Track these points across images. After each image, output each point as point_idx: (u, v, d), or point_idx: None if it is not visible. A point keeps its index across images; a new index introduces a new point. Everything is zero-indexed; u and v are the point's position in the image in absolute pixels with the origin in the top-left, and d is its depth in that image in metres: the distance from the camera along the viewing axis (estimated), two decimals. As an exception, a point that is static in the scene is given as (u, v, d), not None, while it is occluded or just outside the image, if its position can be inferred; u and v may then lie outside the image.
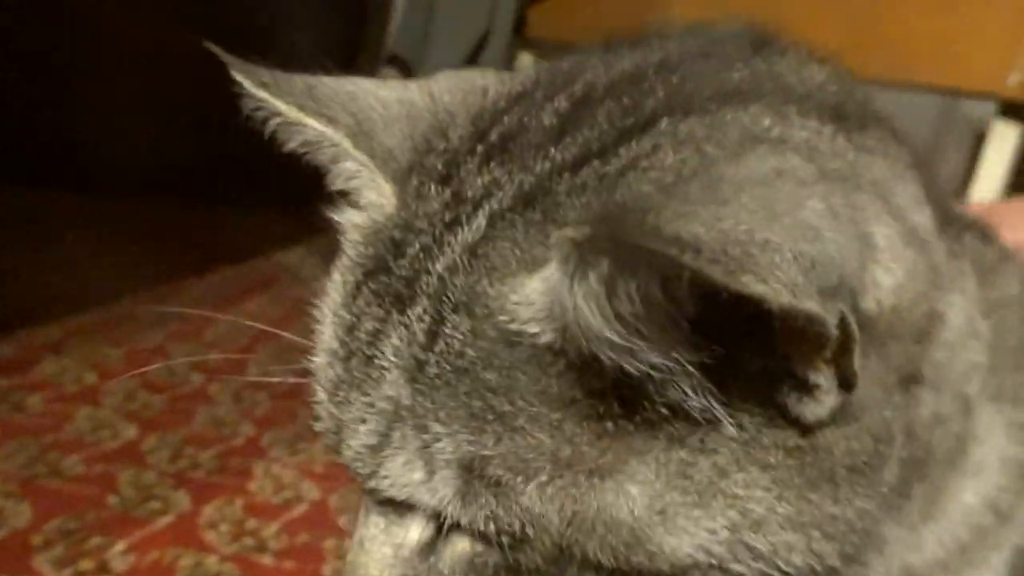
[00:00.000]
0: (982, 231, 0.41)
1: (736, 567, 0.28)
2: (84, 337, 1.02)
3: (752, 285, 0.22)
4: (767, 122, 0.31)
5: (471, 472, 0.28)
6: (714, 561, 0.28)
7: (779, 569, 0.29)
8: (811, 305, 0.23)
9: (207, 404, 0.91)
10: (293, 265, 1.67)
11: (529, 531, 0.28)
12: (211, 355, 1.06)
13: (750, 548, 0.28)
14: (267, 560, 0.66)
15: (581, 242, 0.23)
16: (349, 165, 0.35)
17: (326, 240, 1.45)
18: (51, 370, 0.90)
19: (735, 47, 0.36)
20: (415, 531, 0.31)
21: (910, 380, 0.31)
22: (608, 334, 0.24)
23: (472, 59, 2.00)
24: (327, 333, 0.35)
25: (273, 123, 0.35)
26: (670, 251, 0.22)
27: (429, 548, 0.31)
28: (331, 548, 0.69)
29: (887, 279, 0.29)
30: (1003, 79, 1.35)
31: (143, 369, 0.95)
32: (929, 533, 0.35)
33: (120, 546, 0.62)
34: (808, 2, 1.57)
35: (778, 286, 0.22)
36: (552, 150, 0.31)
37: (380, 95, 0.36)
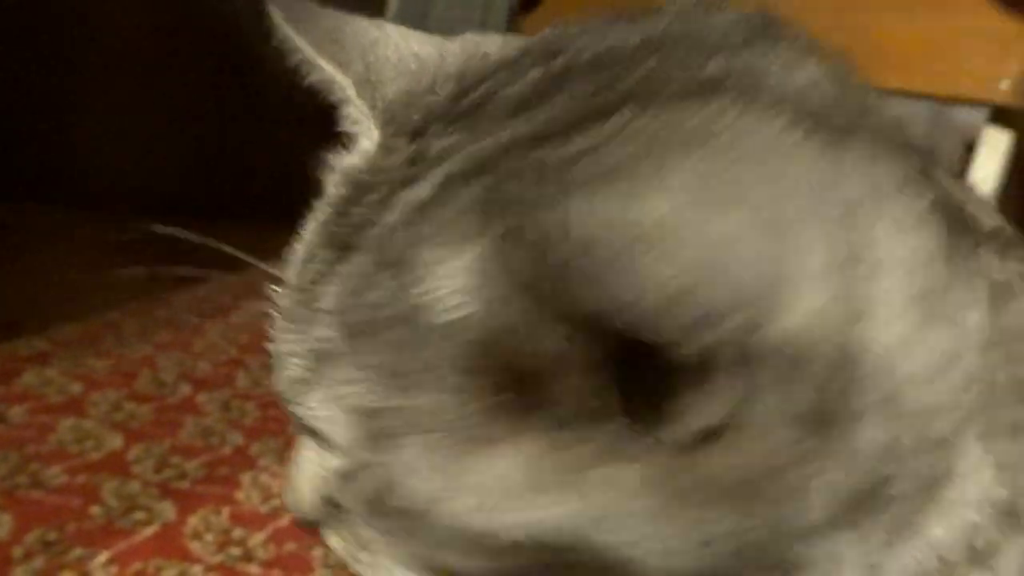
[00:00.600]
0: (1006, 243, 0.37)
1: (581, 557, 0.29)
2: (70, 348, 1.00)
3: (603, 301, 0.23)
4: (725, 121, 0.28)
5: (373, 420, 0.29)
6: (560, 545, 0.29)
7: (625, 565, 0.29)
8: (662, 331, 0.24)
9: (195, 414, 0.90)
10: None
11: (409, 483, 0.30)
12: (200, 365, 1.05)
13: (598, 541, 0.29)
14: (254, 569, 0.64)
15: (502, 235, 0.24)
16: (352, 111, 0.36)
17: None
18: (34, 381, 0.88)
19: (729, 33, 0.34)
20: (335, 461, 0.32)
21: (831, 414, 0.29)
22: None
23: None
24: (290, 264, 0.36)
25: (295, 58, 0.37)
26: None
27: (350, 475, 0.32)
28: (319, 557, 0.68)
29: (801, 306, 0.27)
30: (995, 85, 1.35)
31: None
32: (892, 560, 0.34)
33: (103, 557, 0.61)
34: (798, 6, 1.58)
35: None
36: (512, 122, 0.31)
37: (400, 46, 0.37)
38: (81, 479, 0.71)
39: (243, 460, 0.82)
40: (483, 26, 1.90)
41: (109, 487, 0.70)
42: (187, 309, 1.28)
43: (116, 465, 0.75)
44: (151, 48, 1.82)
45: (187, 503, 0.71)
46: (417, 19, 1.95)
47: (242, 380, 1.03)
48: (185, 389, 0.96)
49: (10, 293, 1.14)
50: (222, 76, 1.89)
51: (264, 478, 0.79)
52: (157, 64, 1.82)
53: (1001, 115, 1.37)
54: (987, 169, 1.39)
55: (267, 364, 1.08)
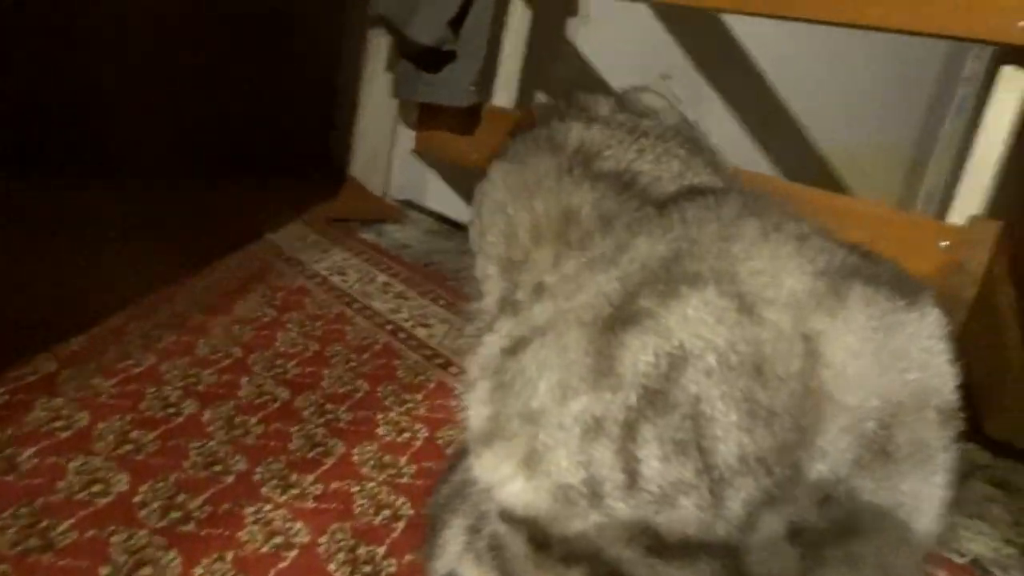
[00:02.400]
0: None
1: None
2: (76, 366, 1.02)
3: None
4: None
5: None
6: None
7: None
8: None
9: (199, 437, 0.92)
10: (285, 247, 1.66)
11: None
12: (205, 374, 1.07)
13: None
14: (258, 621, 0.67)
15: None
16: None
17: (317, 214, 1.43)
18: (43, 416, 0.91)
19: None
20: None
21: None
22: None
23: (461, 14, 1.93)
24: None
25: None
26: None
27: None
28: (321, 599, 0.71)
29: None
30: (1012, 25, 1.29)
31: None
32: None
33: (112, 623, 0.64)
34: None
35: None
36: None
37: None
38: (90, 534, 0.73)
39: (247, 490, 0.84)
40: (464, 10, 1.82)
41: (117, 541, 0.73)
42: (190, 303, 1.29)
43: (123, 512, 0.77)
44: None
45: (192, 551, 0.74)
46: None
47: (245, 389, 1.05)
48: (190, 407, 0.98)
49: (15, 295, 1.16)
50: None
51: (267, 510, 0.82)
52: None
53: (1019, 55, 1.32)
54: (1004, 107, 1.34)
55: (271, 365, 1.11)
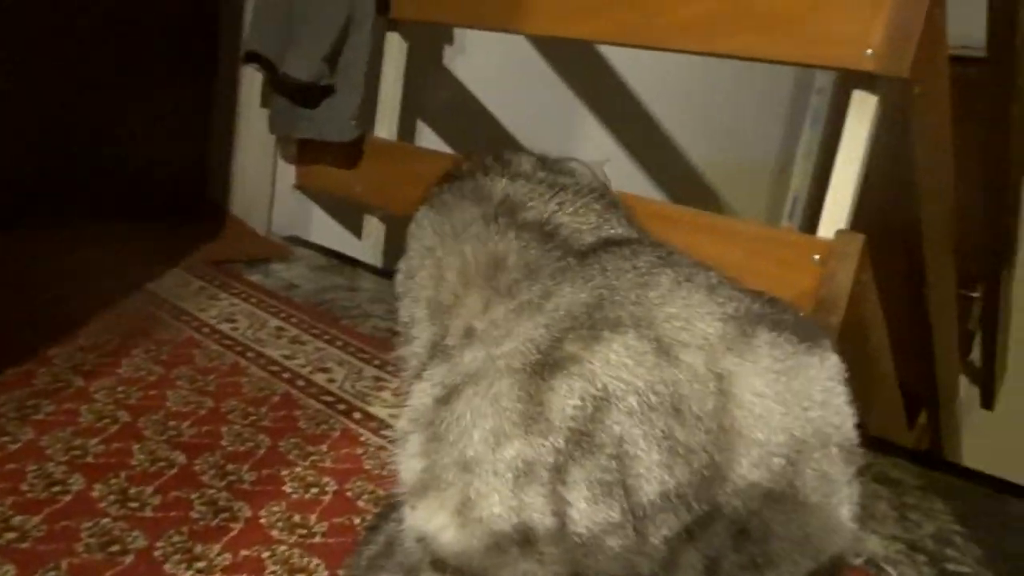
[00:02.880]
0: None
1: None
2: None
3: None
4: None
5: None
6: None
7: None
8: None
9: (91, 516, 0.87)
10: (168, 297, 1.59)
11: None
12: (91, 444, 1.01)
13: None
14: None
15: None
16: None
17: (197, 258, 1.38)
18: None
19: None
20: None
21: None
22: None
23: (337, 48, 1.92)
24: None
25: None
26: None
27: None
28: None
29: None
30: (860, 52, 1.38)
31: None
32: None
33: None
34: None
35: None
36: None
37: None
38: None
39: (148, 569, 0.80)
40: (350, 20, 1.81)
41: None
42: (67, 368, 1.21)
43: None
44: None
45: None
46: (275, 15, 1.84)
47: (137, 456, 1.00)
48: (78, 483, 0.92)
49: None
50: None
51: (172, 593, 0.77)
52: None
53: (868, 81, 1.43)
54: (858, 127, 1.44)
55: (164, 427, 1.07)
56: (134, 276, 1.66)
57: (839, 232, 1.44)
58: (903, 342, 2.26)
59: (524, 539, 0.45)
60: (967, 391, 3.79)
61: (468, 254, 0.55)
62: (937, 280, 2.14)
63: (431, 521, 0.48)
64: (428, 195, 0.64)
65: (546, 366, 0.46)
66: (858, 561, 1.04)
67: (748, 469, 0.44)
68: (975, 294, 3.59)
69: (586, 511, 0.44)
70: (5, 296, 1.45)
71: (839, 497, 0.48)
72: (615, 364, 0.45)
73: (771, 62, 1.59)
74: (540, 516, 0.45)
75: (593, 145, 2.87)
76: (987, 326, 3.64)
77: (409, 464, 0.51)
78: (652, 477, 0.43)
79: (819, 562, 0.48)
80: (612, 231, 0.57)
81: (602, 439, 0.44)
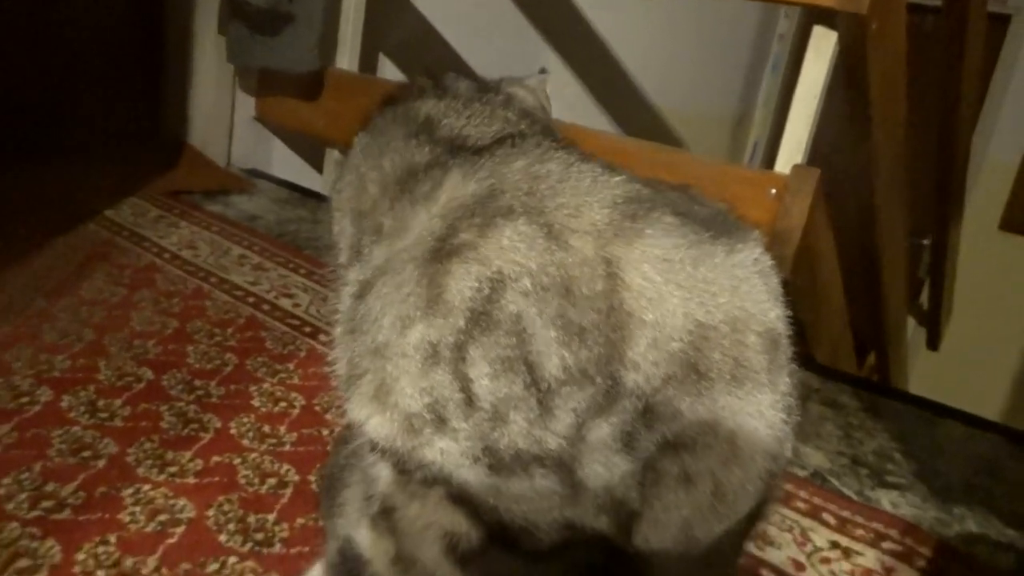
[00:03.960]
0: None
1: None
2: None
3: None
4: None
5: None
6: None
7: None
8: None
9: (61, 424, 0.88)
10: (126, 224, 1.58)
11: None
12: (57, 360, 1.01)
13: None
14: (152, 599, 0.66)
15: None
16: None
17: (155, 188, 1.38)
18: None
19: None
20: None
21: None
22: None
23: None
24: None
25: None
26: None
27: None
28: (214, 571, 0.71)
29: None
30: (820, -13, 1.40)
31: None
32: None
33: (-6, 620, 0.61)
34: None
35: None
36: None
37: None
38: (-47, 532, 0.69)
39: (121, 473, 0.82)
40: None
41: (-15, 537, 0.69)
42: (26, 289, 1.21)
43: (-13, 507, 0.73)
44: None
45: (71, 538, 0.71)
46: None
47: (104, 372, 1.00)
48: (45, 395, 0.93)
49: None
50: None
51: (146, 490, 0.79)
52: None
53: (827, 16, 1.45)
54: (817, 63, 1.47)
55: (129, 345, 1.08)
56: (91, 204, 1.64)
57: (795, 167, 1.47)
58: (854, 285, 2.33)
59: (437, 417, 0.48)
60: (915, 333, 3.93)
61: (387, 167, 0.58)
62: (888, 223, 2.20)
63: (361, 411, 0.52)
64: (365, 120, 0.67)
65: (443, 253, 0.49)
66: (804, 473, 1.09)
67: (645, 349, 0.46)
68: (925, 241, 3.70)
69: (488, 386, 0.47)
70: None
71: (756, 383, 0.49)
72: (508, 248, 0.47)
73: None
74: (448, 393, 0.48)
75: (556, 88, 2.86)
76: (935, 272, 3.75)
77: (338, 360, 0.55)
78: (551, 352, 0.46)
79: (737, 450, 0.50)
80: (512, 132, 0.59)
81: (499, 318, 0.47)
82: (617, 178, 0.51)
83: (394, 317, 0.50)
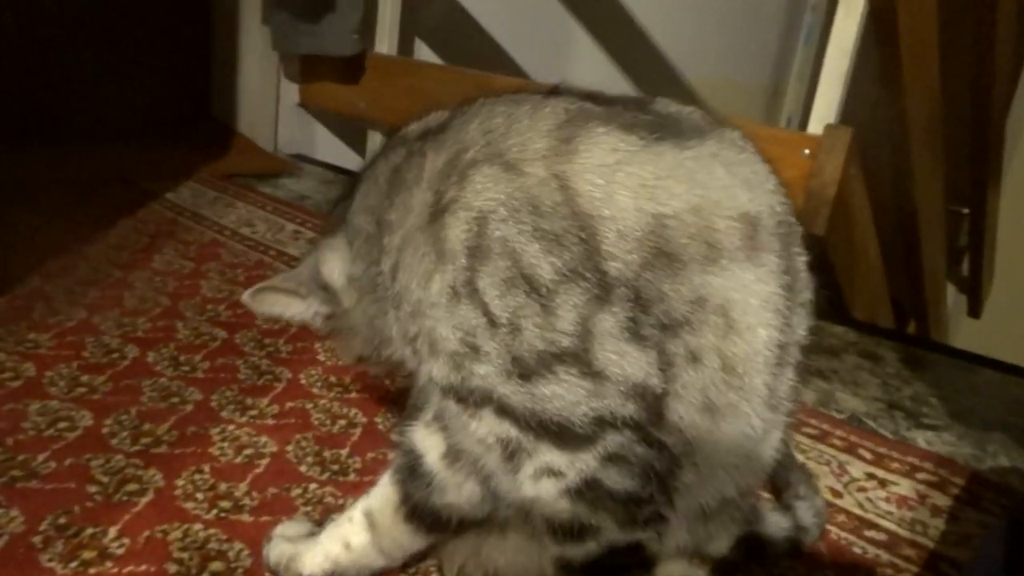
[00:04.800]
0: None
1: None
2: (5, 329, 1.03)
3: None
4: None
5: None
6: None
7: None
8: None
9: (149, 376, 0.96)
10: (187, 205, 1.67)
11: None
12: (139, 322, 1.09)
13: None
14: (246, 518, 0.74)
15: None
16: None
17: (209, 172, 1.47)
18: (-13, 368, 0.92)
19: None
20: None
21: None
22: None
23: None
24: None
25: None
26: None
27: None
28: (298, 495, 0.78)
29: None
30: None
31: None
32: None
33: (113, 531, 0.69)
34: None
35: None
36: None
37: None
38: (69, 462, 0.77)
39: (207, 415, 0.89)
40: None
41: (96, 465, 0.77)
42: (104, 262, 1.30)
43: (96, 443, 0.81)
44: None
45: (171, 468, 0.79)
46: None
47: (182, 332, 1.09)
48: (133, 351, 1.01)
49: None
50: None
51: (231, 430, 0.87)
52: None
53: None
54: (848, 21, 1.50)
55: (202, 310, 1.18)
56: (151, 187, 1.73)
57: (828, 126, 1.51)
58: (892, 251, 2.35)
59: (471, 348, 0.57)
60: (956, 300, 3.91)
61: (381, 181, 0.67)
62: (924, 185, 2.21)
63: (422, 366, 0.61)
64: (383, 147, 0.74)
65: (438, 212, 0.58)
66: (841, 416, 1.14)
67: (615, 239, 0.55)
68: (965, 211, 3.67)
69: (499, 304, 0.55)
70: (25, 203, 1.52)
71: (732, 261, 0.56)
72: (481, 190, 0.57)
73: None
74: (474, 321, 0.56)
75: (586, 63, 2.90)
76: (974, 240, 3.73)
77: (395, 339, 0.65)
78: (541, 261, 0.54)
79: (733, 322, 0.57)
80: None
81: (490, 246, 0.56)
82: (547, 109, 0.60)
83: (419, 278, 0.59)
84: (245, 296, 0.71)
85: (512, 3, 2.61)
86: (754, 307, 0.57)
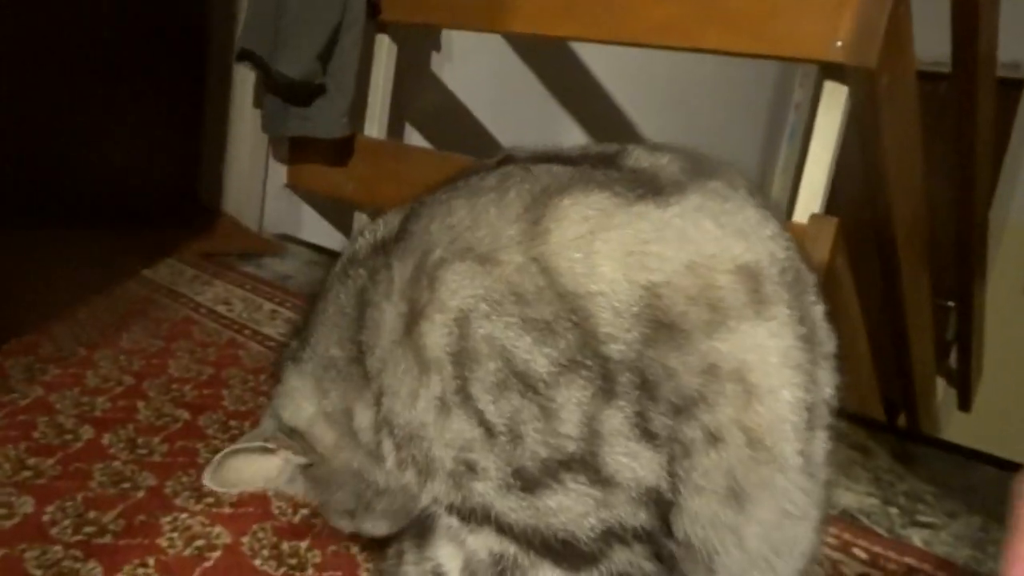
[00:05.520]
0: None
1: None
2: (-44, 404, 0.98)
3: None
4: None
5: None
6: None
7: None
8: None
9: (102, 459, 0.91)
10: (164, 282, 1.63)
11: None
12: (99, 401, 1.04)
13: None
14: (190, 618, 0.68)
15: None
16: None
17: (191, 251, 1.43)
18: (-73, 449, 0.87)
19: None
20: None
21: None
22: None
23: (329, 48, 1.97)
24: None
25: None
26: None
27: None
28: (251, 593, 0.72)
29: None
30: (831, 45, 1.46)
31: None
32: None
33: (39, 632, 0.63)
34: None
35: None
36: None
37: None
38: (2, 553, 0.71)
39: (160, 502, 0.84)
40: (343, 4, 1.87)
41: (31, 557, 0.72)
42: (70, 339, 1.25)
43: (34, 531, 0.75)
44: None
45: (112, 560, 0.73)
46: (268, 15, 1.90)
47: (143, 412, 1.04)
48: (88, 433, 0.96)
49: None
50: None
51: (184, 519, 0.81)
52: None
53: (837, 72, 1.50)
54: (830, 115, 1.51)
55: (167, 389, 1.11)
56: (129, 265, 1.70)
57: (813, 216, 1.50)
58: (880, 344, 2.33)
59: (467, 465, 0.52)
60: (945, 394, 3.87)
61: (347, 309, 0.61)
62: (911, 279, 2.21)
63: (421, 490, 0.56)
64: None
65: (412, 322, 0.53)
66: (834, 512, 1.09)
67: (611, 317, 0.49)
68: (951, 303, 3.68)
69: (494, 410, 0.50)
70: (12, 282, 1.48)
71: (740, 319, 0.49)
72: (456, 289, 0.52)
73: (747, 56, 1.66)
74: (469, 434, 0.51)
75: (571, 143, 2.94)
76: (962, 333, 3.72)
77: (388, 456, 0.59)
78: (535, 354, 0.49)
79: (753, 387, 0.49)
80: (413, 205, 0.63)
81: (476, 347, 0.50)
82: (512, 194, 0.54)
83: (403, 398, 0.54)
84: (206, 478, 0.64)
85: (502, 90, 2.66)
86: (773, 366, 0.50)
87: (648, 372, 0.49)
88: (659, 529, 0.51)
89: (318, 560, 0.78)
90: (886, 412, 2.79)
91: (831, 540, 0.98)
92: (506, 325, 0.50)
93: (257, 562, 0.76)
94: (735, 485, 0.50)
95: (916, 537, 1.05)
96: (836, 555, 0.94)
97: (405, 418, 0.54)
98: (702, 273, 0.50)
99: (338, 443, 0.62)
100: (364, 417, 0.60)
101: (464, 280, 0.52)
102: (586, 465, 0.49)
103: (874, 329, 2.13)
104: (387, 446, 0.58)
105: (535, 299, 0.50)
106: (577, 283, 0.50)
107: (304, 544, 0.80)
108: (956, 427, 3.81)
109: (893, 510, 1.13)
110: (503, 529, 0.52)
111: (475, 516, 0.53)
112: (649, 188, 0.53)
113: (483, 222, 0.54)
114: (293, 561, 0.77)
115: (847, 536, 0.99)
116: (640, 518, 0.50)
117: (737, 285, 0.50)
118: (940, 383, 3.64)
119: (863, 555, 0.95)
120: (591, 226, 0.51)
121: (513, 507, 0.51)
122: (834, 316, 1.61)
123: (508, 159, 0.61)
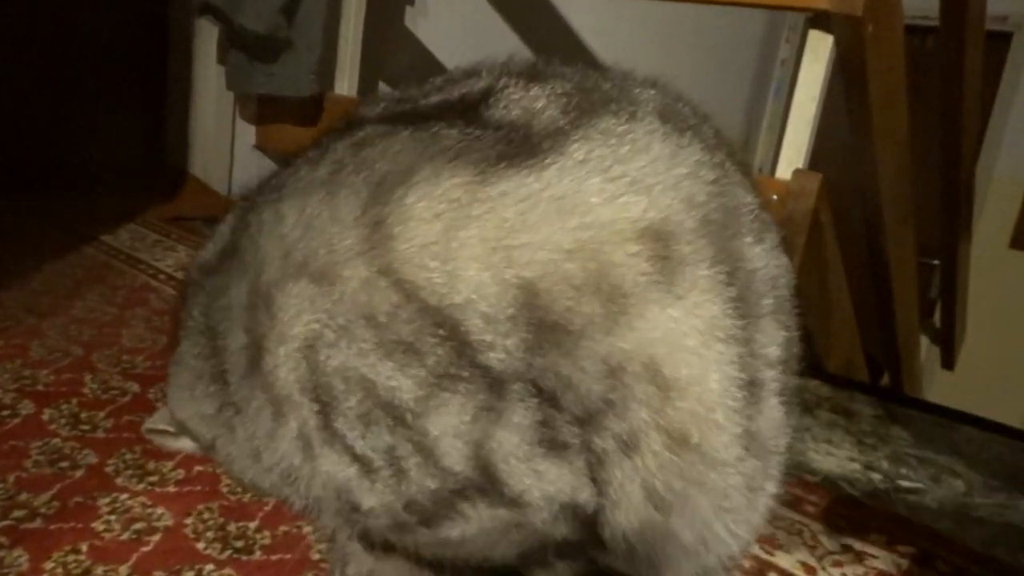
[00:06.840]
0: None
1: None
2: None
3: None
4: None
5: None
6: None
7: None
8: None
9: (41, 436, 0.85)
10: (124, 247, 1.57)
11: None
12: (41, 375, 0.99)
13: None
14: (123, 608, 0.63)
15: None
16: None
17: (154, 215, 1.36)
18: None
19: None
20: None
21: None
22: None
23: (293, 1, 1.89)
24: None
25: None
26: None
27: None
28: (192, 579, 0.67)
29: None
30: (815, -8, 1.39)
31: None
32: None
33: (-47, 629, 0.58)
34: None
35: None
36: None
37: None
38: (-81, 541, 0.66)
39: (99, 482, 0.79)
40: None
41: (-48, 545, 0.66)
42: (19, 307, 1.19)
43: (-43, 516, 0.70)
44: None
45: (41, 547, 0.68)
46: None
47: (89, 386, 0.98)
48: (27, 408, 0.90)
49: None
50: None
51: (124, 499, 0.76)
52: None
53: (822, 20, 1.44)
54: (814, 66, 1.46)
55: (117, 361, 1.03)
56: (89, 230, 1.63)
57: (796, 171, 1.45)
58: (865, 302, 2.29)
59: (351, 506, 0.46)
60: (929, 352, 3.87)
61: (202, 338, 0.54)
62: (895, 236, 2.17)
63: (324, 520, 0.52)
64: None
65: (255, 357, 0.46)
66: (815, 479, 1.05)
67: (484, 325, 0.41)
68: (936, 262, 3.66)
69: (365, 444, 0.44)
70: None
71: (644, 301, 0.41)
72: (294, 315, 0.44)
73: (735, 4, 1.60)
74: (343, 474, 0.45)
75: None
76: (946, 291, 3.70)
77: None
78: (399, 379, 0.42)
79: (669, 381, 0.42)
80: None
81: (331, 382, 0.43)
82: (345, 191, 0.45)
83: (263, 438, 0.47)
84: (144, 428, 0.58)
85: (479, 45, 2.57)
86: (691, 349, 0.42)
87: (540, 382, 0.42)
88: (588, 541, 0.46)
89: (267, 542, 0.73)
90: (869, 372, 2.78)
91: (810, 509, 0.94)
92: (359, 352, 0.42)
93: (200, 545, 0.71)
94: (657, 495, 0.44)
95: (900, 504, 1.02)
96: (816, 525, 0.91)
97: (271, 460, 0.47)
98: (589, 254, 0.41)
99: (222, 442, 0.53)
100: (241, 436, 0.52)
101: (303, 303, 0.44)
102: (484, 491, 0.43)
103: (858, 287, 2.09)
104: (265, 480, 0.50)
105: (390, 319, 0.42)
106: (438, 296, 0.42)
107: (253, 524, 0.75)
108: (940, 385, 3.81)
109: (876, 476, 1.10)
110: (417, 559, 0.48)
111: (378, 547, 0.49)
112: (518, 149, 0.43)
113: (315, 229, 0.44)
114: (239, 544, 0.72)
115: (827, 504, 0.95)
116: (560, 530, 0.45)
117: (638, 258, 0.42)
118: (924, 341, 3.63)
119: (843, 524, 0.92)
120: (444, 224, 0.42)
121: (419, 541, 0.46)
122: (819, 275, 1.56)
123: (357, 122, 0.50)
